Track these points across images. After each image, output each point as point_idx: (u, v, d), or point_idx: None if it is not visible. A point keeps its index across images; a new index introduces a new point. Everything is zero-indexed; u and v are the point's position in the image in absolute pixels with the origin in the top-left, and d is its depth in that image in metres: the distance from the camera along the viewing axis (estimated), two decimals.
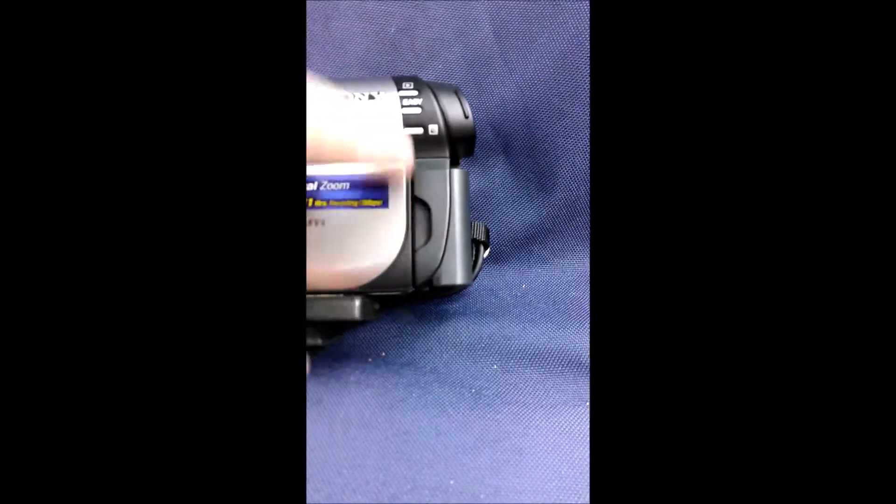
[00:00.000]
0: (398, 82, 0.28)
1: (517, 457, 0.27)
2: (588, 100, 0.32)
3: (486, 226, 0.33)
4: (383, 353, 0.31)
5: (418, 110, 0.27)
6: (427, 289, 0.28)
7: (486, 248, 0.33)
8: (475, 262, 0.32)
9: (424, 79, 0.29)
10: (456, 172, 0.28)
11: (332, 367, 0.29)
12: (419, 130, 0.27)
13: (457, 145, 0.28)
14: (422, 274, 0.27)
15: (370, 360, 0.30)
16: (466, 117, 0.28)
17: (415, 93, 0.28)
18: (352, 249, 0.27)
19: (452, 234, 0.28)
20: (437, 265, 0.27)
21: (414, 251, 0.27)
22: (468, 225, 0.29)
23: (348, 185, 0.27)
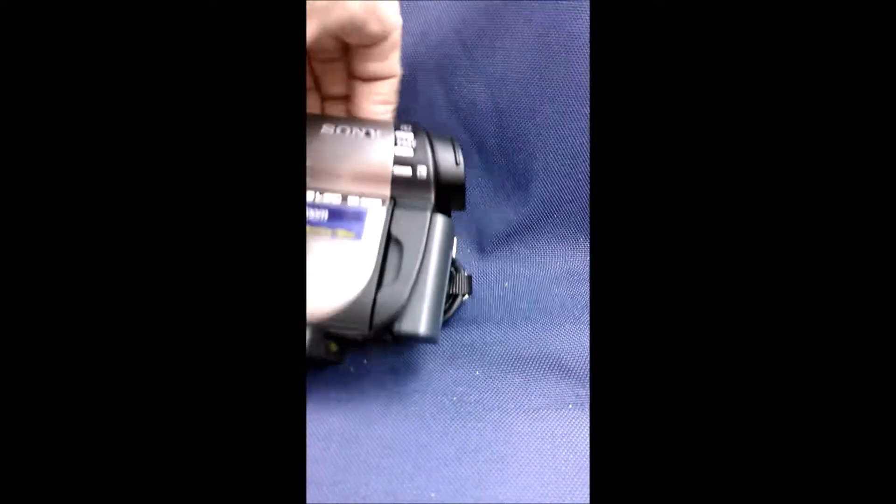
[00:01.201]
0: (397, 125, 0.28)
1: (499, 465, 0.27)
2: (557, 97, 0.31)
3: (469, 275, 0.32)
4: (365, 361, 0.30)
5: (410, 152, 0.27)
6: (388, 336, 0.26)
7: (467, 294, 0.32)
8: (447, 316, 0.30)
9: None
10: (439, 218, 0.27)
11: (311, 382, 0.29)
12: (408, 170, 0.27)
13: (445, 192, 0.27)
14: (381, 316, 0.25)
15: (352, 369, 0.30)
16: (457, 164, 0.27)
17: (410, 135, 0.27)
18: (314, 279, 0.25)
19: (423, 280, 0.25)
20: (398, 309, 0.25)
21: (377, 290, 0.25)
22: (444, 275, 0.27)
23: (327, 213, 0.26)
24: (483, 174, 0.34)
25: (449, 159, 0.27)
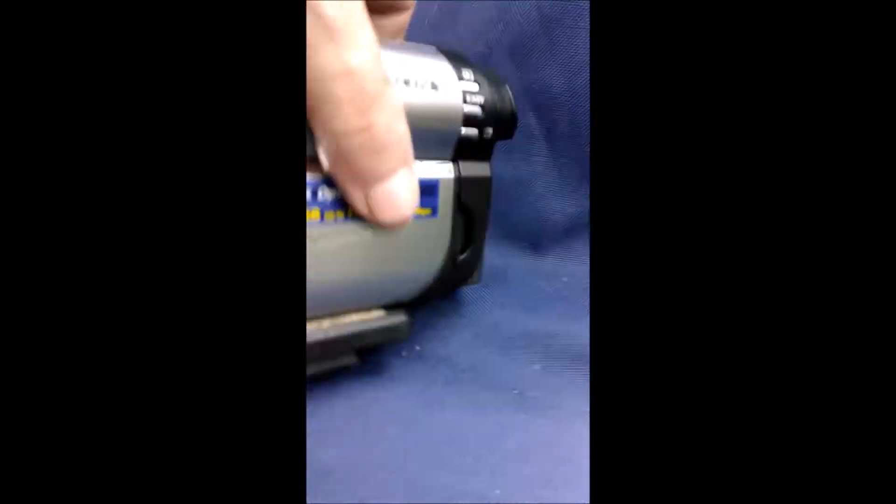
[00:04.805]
0: (456, 66, 0.24)
1: (567, 467, 0.25)
2: None
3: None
4: (417, 347, 0.28)
5: (479, 109, 0.24)
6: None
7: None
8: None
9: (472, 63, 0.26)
10: (489, 170, 0.26)
11: (364, 362, 0.27)
12: (475, 132, 0.24)
13: (498, 134, 0.26)
14: (455, 285, 0.27)
15: (405, 353, 0.28)
16: (514, 115, 0.25)
17: (475, 87, 0.24)
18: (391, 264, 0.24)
19: (483, 237, 0.26)
20: (471, 274, 0.26)
21: (455, 261, 0.25)
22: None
23: None
24: (549, 163, 0.32)
25: (507, 110, 0.25)
